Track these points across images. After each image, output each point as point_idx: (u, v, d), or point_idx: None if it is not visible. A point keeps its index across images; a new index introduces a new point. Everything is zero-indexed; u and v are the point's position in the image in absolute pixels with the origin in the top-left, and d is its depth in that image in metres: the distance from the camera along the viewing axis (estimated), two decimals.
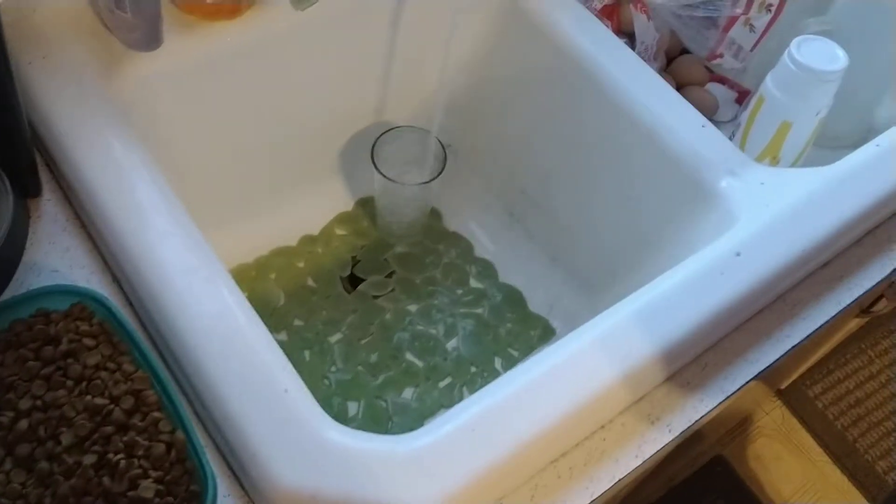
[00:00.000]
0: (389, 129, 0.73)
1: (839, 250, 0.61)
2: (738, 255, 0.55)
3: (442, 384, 0.71)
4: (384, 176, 0.71)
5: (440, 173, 0.72)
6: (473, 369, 0.72)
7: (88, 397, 0.42)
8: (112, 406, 0.42)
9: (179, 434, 0.42)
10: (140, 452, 0.41)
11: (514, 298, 0.77)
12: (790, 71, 0.65)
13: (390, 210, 0.77)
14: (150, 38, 0.55)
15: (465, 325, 0.75)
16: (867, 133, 0.75)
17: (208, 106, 0.65)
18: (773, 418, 1.20)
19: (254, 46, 0.64)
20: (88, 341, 0.44)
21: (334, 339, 0.72)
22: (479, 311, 0.76)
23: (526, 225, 0.81)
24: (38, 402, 0.42)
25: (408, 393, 0.70)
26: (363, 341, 0.72)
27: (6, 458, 0.41)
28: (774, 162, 0.70)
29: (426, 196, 0.75)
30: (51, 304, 0.45)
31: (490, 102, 0.79)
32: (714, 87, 0.80)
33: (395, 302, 0.75)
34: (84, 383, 0.43)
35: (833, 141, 0.76)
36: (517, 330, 0.75)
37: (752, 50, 0.78)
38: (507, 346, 0.74)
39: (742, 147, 0.71)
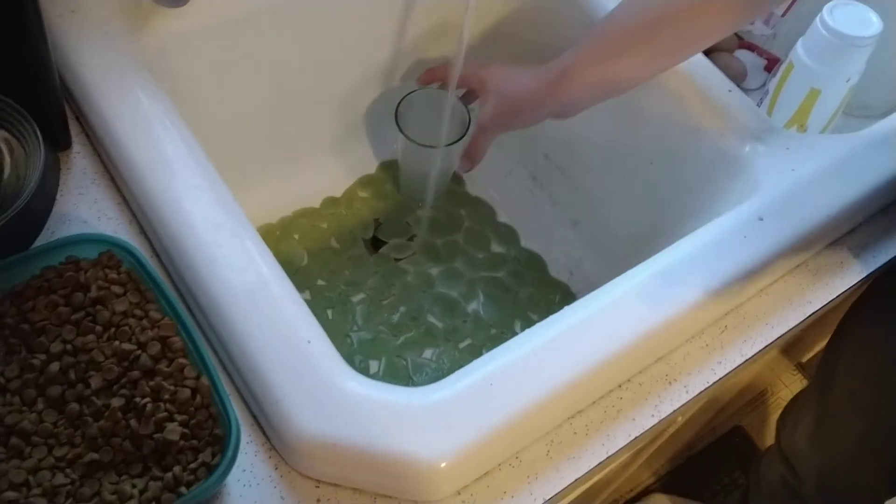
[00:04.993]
0: (413, 91, 0.73)
1: (865, 218, 0.60)
2: (761, 219, 0.55)
3: (462, 345, 0.72)
4: (407, 137, 0.72)
5: (464, 136, 0.72)
6: (493, 331, 0.73)
7: (116, 343, 0.43)
8: (139, 351, 0.43)
9: (204, 380, 0.43)
10: (166, 396, 0.42)
11: (534, 263, 0.77)
12: (821, 36, 0.64)
13: (413, 172, 0.77)
14: None
15: (485, 289, 0.75)
16: None
17: (234, 64, 0.65)
18: (794, 391, 1.19)
19: (281, 4, 0.64)
20: (117, 289, 0.45)
21: (356, 299, 0.73)
22: (500, 275, 0.76)
23: (549, 190, 0.81)
24: (69, 347, 0.43)
25: (428, 353, 0.71)
26: (385, 302, 0.73)
27: (38, 398, 0.42)
28: (802, 130, 0.69)
29: (449, 159, 0.75)
30: (81, 252, 0.46)
31: (514, 64, 0.78)
32: (743, 54, 0.79)
33: (417, 265, 0.76)
34: (112, 329, 0.44)
35: (863, 110, 0.75)
36: (537, 294, 0.75)
37: (783, 15, 0.77)
38: (526, 309, 0.74)
39: (770, 114, 0.70)
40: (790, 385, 1.23)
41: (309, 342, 0.45)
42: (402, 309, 0.73)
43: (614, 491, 1.03)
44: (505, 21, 0.76)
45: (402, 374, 0.69)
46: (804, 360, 1.19)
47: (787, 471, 0.84)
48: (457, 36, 0.65)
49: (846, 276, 0.58)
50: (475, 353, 0.71)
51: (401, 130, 0.72)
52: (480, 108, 0.67)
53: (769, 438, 1.16)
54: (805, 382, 1.22)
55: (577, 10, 0.69)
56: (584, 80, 0.58)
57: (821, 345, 1.10)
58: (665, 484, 1.14)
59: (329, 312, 0.72)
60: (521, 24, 0.76)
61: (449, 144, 0.72)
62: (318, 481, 0.44)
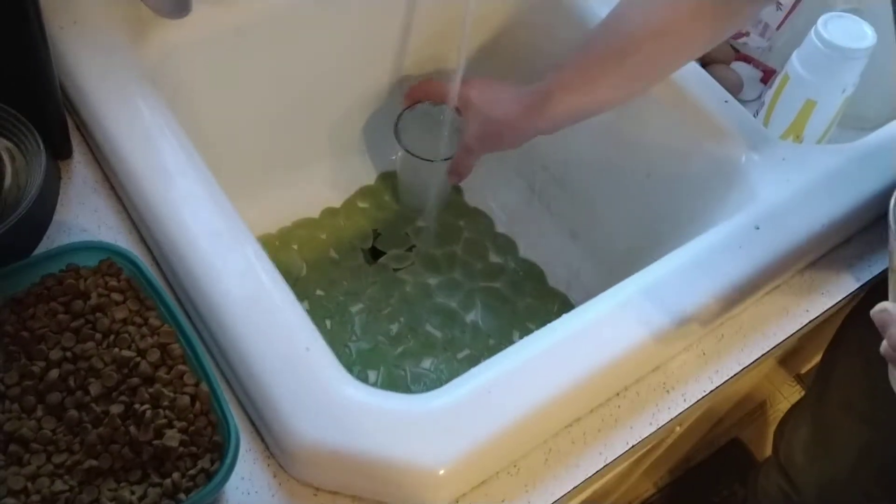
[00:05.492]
0: (413, 104, 0.74)
1: (860, 228, 0.60)
2: (757, 228, 0.55)
3: (460, 356, 0.72)
4: (406, 150, 0.72)
5: None
6: (492, 342, 0.73)
7: (116, 350, 0.44)
8: (139, 359, 0.43)
9: (204, 387, 0.43)
10: (165, 403, 0.42)
11: (533, 274, 0.78)
12: (816, 48, 0.64)
13: (412, 184, 0.77)
14: (179, 5, 0.56)
15: (484, 299, 0.75)
16: (894, 114, 0.75)
17: (234, 75, 0.65)
18: (792, 403, 1.20)
19: (281, 16, 0.65)
20: (116, 296, 0.45)
21: (355, 309, 0.73)
22: (499, 285, 0.77)
23: (547, 201, 0.81)
24: (68, 354, 0.44)
25: (426, 363, 0.71)
26: (383, 312, 0.73)
27: (37, 405, 0.42)
28: (798, 140, 0.70)
29: (447, 172, 0.76)
30: (81, 259, 0.47)
31: (513, 78, 0.79)
32: (739, 66, 0.79)
33: (416, 275, 0.76)
34: (112, 336, 0.44)
35: (859, 122, 0.76)
36: (536, 305, 0.76)
37: (778, 28, 0.78)
38: (525, 320, 0.74)
39: (766, 126, 0.70)
40: (789, 397, 1.23)
41: (308, 349, 0.46)
42: (400, 319, 0.73)
43: (614, 502, 1.03)
44: (505, 34, 0.77)
45: (400, 385, 0.69)
46: (802, 371, 1.19)
47: (786, 482, 0.84)
48: (457, 47, 0.66)
49: (843, 286, 0.58)
50: (474, 363, 0.71)
51: (400, 144, 0.72)
52: (465, 128, 0.68)
53: (768, 451, 1.16)
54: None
55: (573, 22, 0.70)
56: (564, 106, 0.61)
57: (819, 356, 1.10)
58: (665, 496, 1.14)
59: (328, 322, 0.72)
60: (519, 36, 0.76)
61: (448, 158, 0.72)
62: (317, 489, 0.44)
